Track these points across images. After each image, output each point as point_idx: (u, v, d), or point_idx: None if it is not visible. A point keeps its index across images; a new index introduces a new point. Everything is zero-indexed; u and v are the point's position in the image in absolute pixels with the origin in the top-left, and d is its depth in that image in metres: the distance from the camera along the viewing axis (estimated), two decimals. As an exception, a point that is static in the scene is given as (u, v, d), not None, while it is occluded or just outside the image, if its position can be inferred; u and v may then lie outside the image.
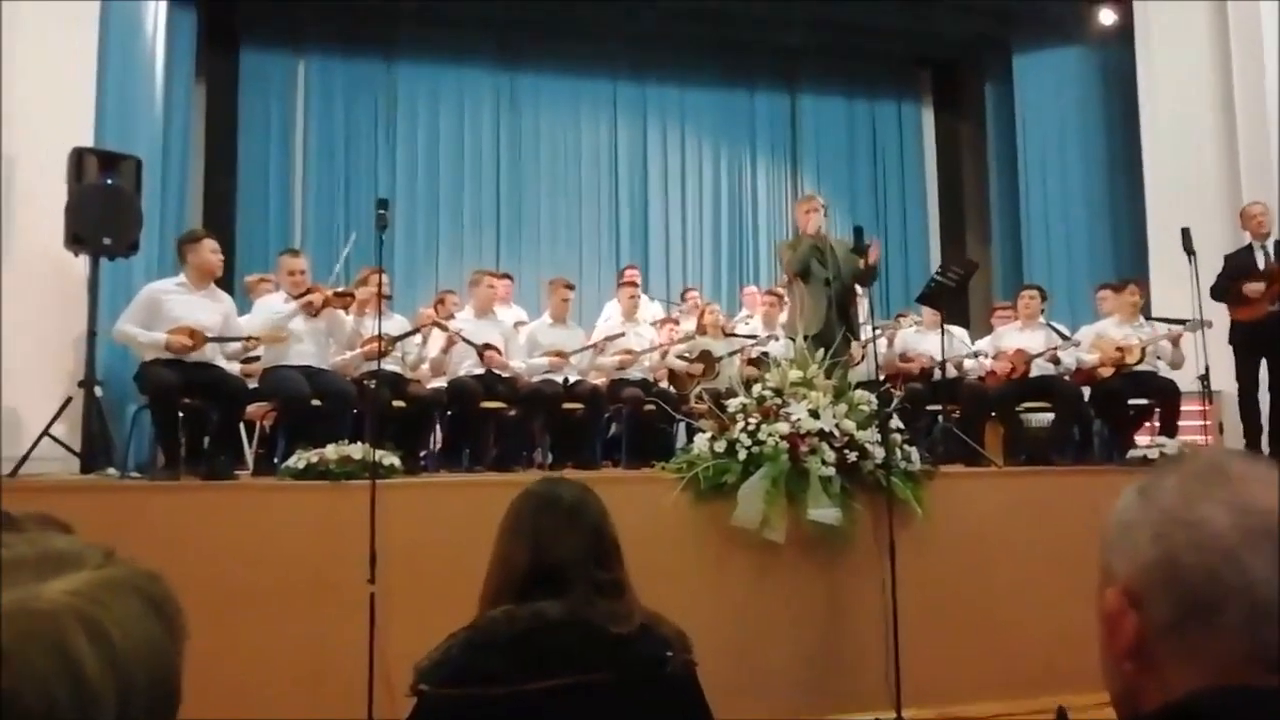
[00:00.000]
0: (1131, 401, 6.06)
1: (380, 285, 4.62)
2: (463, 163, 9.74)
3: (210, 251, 5.03)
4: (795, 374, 4.45)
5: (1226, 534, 0.70)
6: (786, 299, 6.41)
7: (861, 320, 6.07)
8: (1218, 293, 5.77)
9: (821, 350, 4.62)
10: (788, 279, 5.83)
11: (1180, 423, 5.88)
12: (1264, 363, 5.76)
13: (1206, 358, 5.24)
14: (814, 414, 4.24)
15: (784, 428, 4.19)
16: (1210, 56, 8.39)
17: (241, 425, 5.51)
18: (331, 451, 4.13)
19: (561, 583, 1.66)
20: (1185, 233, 5.31)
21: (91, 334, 5.52)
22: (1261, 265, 5.75)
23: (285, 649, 3.71)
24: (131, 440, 5.26)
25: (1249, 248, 5.87)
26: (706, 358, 6.71)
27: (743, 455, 4.18)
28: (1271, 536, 0.69)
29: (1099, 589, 0.77)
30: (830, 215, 6.38)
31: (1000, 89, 10.10)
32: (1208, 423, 5.94)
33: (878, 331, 6.34)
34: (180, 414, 4.93)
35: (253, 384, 5.28)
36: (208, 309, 4.95)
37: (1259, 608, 0.68)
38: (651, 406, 6.12)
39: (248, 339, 5.02)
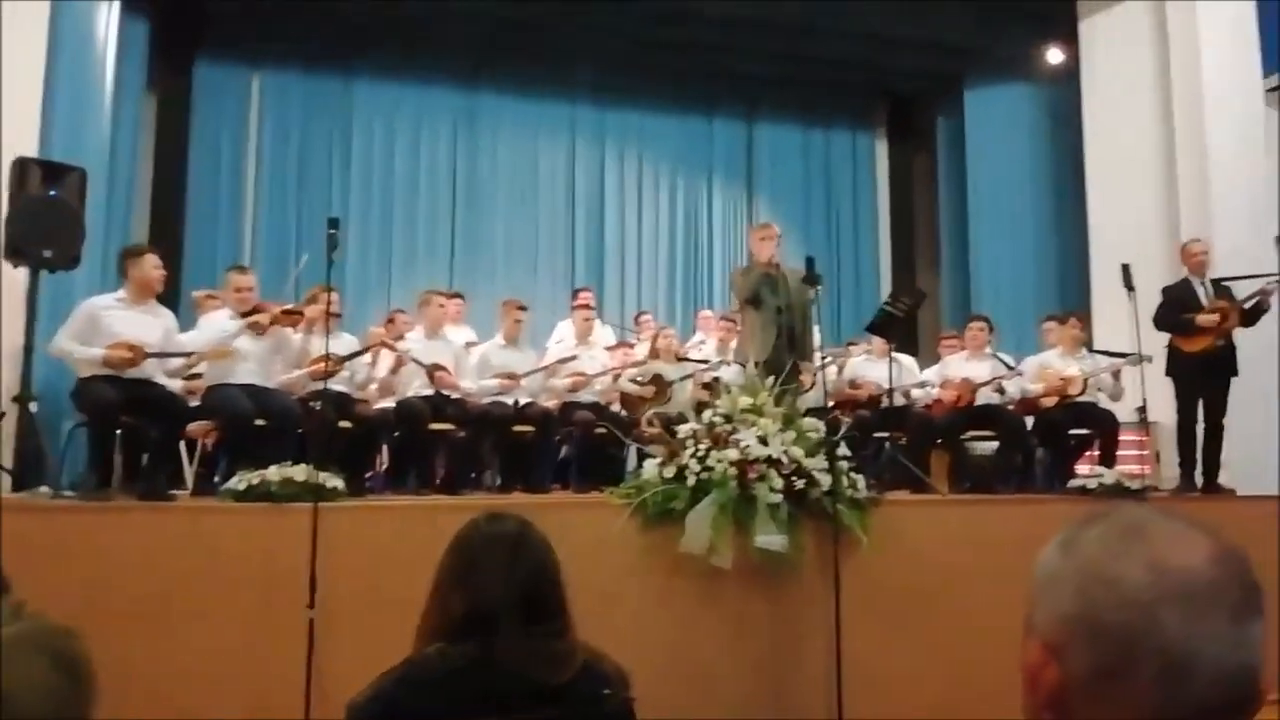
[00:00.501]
0: (1073, 431, 6.19)
1: (329, 304, 4.57)
2: (418, 182, 9.70)
3: (153, 267, 4.93)
4: (745, 400, 4.47)
5: (1143, 592, 0.72)
6: (739, 325, 6.46)
7: (814, 347, 6.13)
8: (1162, 324, 5.90)
9: (771, 377, 4.65)
10: (739, 306, 5.88)
11: (1119, 453, 6.02)
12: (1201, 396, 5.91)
13: (1145, 391, 5.37)
14: (763, 441, 4.25)
15: (733, 454, 4.20)
16: (1152, 98, 8.66)
17: (182, 444, 5.40)
18: (274, 473, 4.05)
19: (499, 626, 1.64)
20: (1126, 269, 5.45)
21: (28, 348, 5.38)
22: (1201, 300, 5.91)
23: (221, 675, 3.61)
24: (66, 458, 5.12)
25: (1186, 282, 6.04)
26: (659, 381, 6.73)
27: (691, 481, 4.18)
28: (1186, 595, 0.71)
29: (1022, 639, 0.78)
30: (784, 243, 6.44)
31: (952, 123, 10.32)
32: (1144, 453, 6.08)
33: (828, 359, 6.42)
34: (118, 432, 4.82)
35: (195, 402, 5.18)
36: (148, 325, 4.85)
37: (1173, 665, 0.70)
38: (603, 430, 6.11)
39: (190, 355, 4.92)
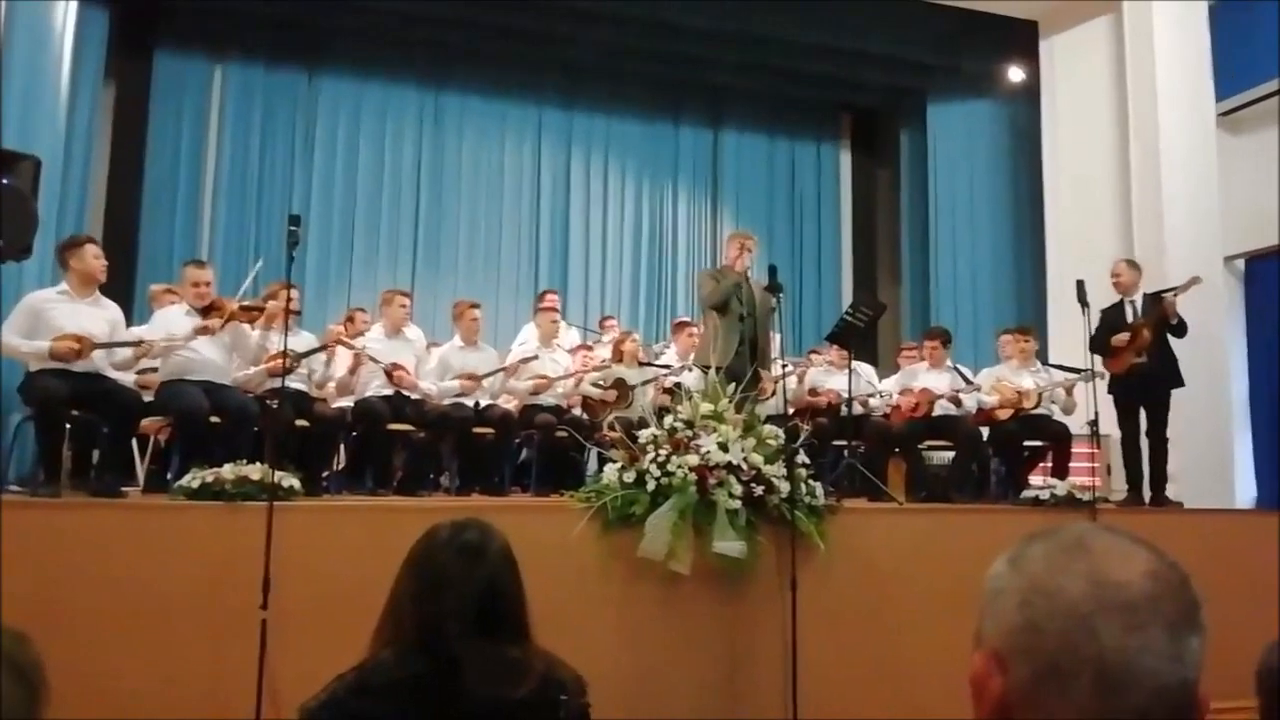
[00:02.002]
0: (1027, 443, 6.29)
1: (288, 300, 4.50)
2: (382, 180, 9.61)
3: (93, 256, 4.83)
4: (706, 407, 4.49)
5: (1082, 604, 0.74)
6: (699, 328, 6.48)
7: (774, 356, 6.17)
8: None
9: (732, 384, 4.67)
10: (704, 310, 5.88)
11: (1071, 465, 6.12)
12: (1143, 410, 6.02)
13: (1096, 405, 5.47)
14: (723, 447, 4.27)
15: (693, 460, 4.22)
16: (1109, 117, 8.86)
17: (134, 440, 5.29)
18: (228, 471, 3.99)
19: (456, 637, 1.63)
20: (1080, 285, 5.53)
21: (-25, 340, 5.24)
22: (1128, 320, 6.03)
23: (171, 677, 3.55)
24: (14, 453, 5.00)
25: (1120, 304, 6.15)
26: (621, 385, 6.73)
27: (651, 486, 4.18)
28: (1124, 607, 0.73)
29: (971, 650, 0.80)
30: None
31: (915, 136, 10.44)
32: (1096, 465, 6.21)
33: (788, 368, 6.46)
34: (69, 426, 4.71)
35: (148, 397, 5.09)
36: (93, 317, 4.75)
37: (1109, 675, 0.72)
38: (563, 433, 6.10)
39: (138, 342, 4.83)
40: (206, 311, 5.11)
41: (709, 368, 4.84)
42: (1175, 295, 5.83)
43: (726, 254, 6.03)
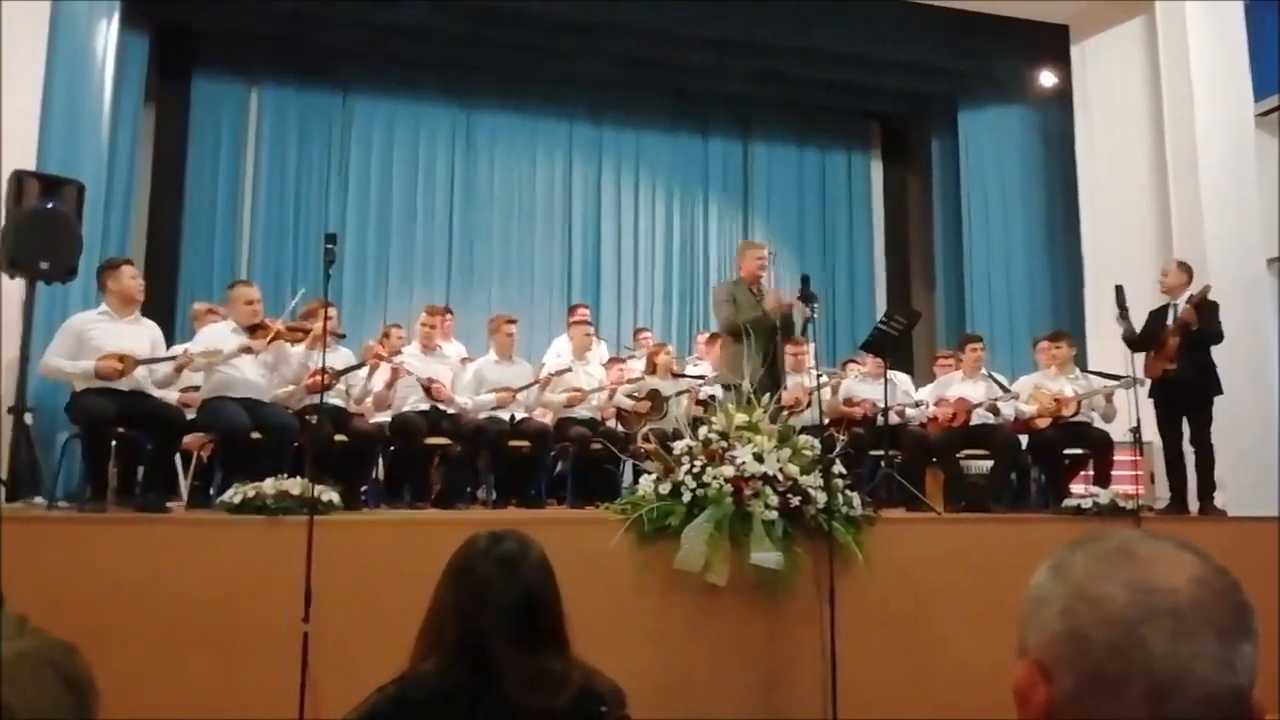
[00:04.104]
0: (1067, 451, 6.20)
1: (326, 319, 4.57)
2: (415, 198, 9.72)
3: (130, 278, 4.94)
4: (741, 418, 4.49)
5: (1127, 611, 0.73)
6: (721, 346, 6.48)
7: (809, 366, 6.15)
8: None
9: (766, 395, 4.66)
10: (728, 328, 5.83)
11: (1113, 473, 6.02)
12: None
13: (1138, 411, 5.38)
14: (758, 458, 4.26)
15: (729, 471, 4.21)
16: (1144, 119, 8.74)
17: (177, 456, 5.38)
18: (269, 486, 4.05)
19: (496, 649, 1.63)
20: (1119, 290, 5.46)
21: (24, 360, 5.37)
22: (1169, 323, 5.92)
23: (215, 689, 3.60)
24: (61, 469, 5.11)
25: (1165, 306, 6.05)
26: (655, 397, 6.73)
27: (687, 497, 4.18)
28: (1172, 614, 0.72)
29: (1014, 660, 0.79)
30: (779, 261, 6.47)
31: (946, 143, 10.36)
32: (1139, 473, 6.10)
33: (823, 378, 6.43)
34: (114, 444, 4.80)
35: (191, 414, 5.17)
36: (134, 336, 4.85)
37: (1159, 682, 0.71)
38: (598, 446, 6.11)
39: (183, 353, 4.91)
40: (254, 330, 5.19)
41: (729, 386, 4.83)
42: (1190, 303, 5.72)
43: (742, 266, 5.99)
